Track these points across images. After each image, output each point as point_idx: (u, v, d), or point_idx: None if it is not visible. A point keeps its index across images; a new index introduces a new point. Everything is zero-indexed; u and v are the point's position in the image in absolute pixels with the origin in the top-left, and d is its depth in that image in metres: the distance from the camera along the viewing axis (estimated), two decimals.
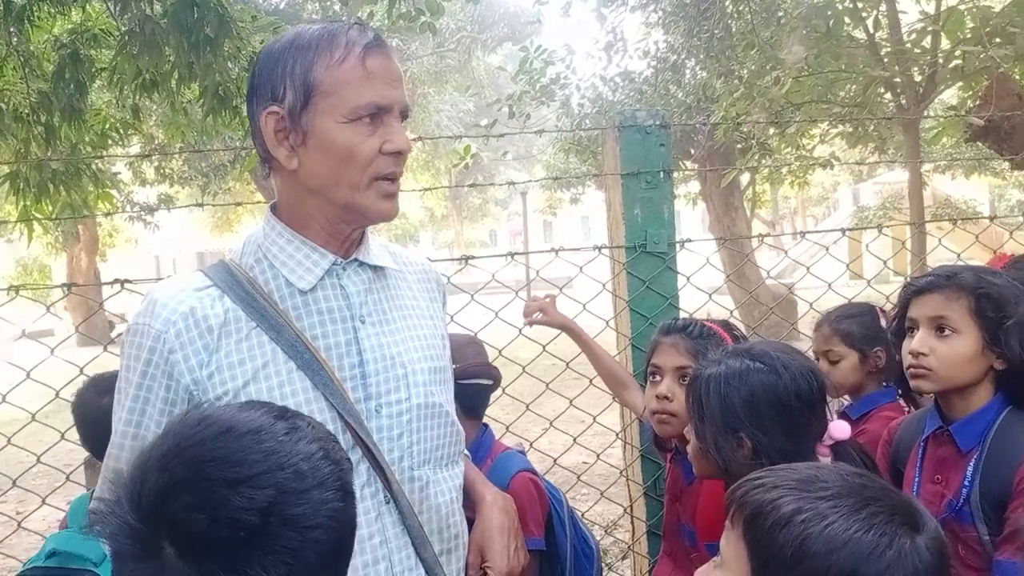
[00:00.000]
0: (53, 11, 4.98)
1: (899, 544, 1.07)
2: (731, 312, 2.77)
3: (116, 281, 2.59)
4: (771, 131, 9.68)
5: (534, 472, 2.46)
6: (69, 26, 5.39)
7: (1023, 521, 1.15)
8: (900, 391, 2.64)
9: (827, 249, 2.87)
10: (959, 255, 3.05)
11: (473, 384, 2.41)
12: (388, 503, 1.55)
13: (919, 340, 1.89)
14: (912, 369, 1.91)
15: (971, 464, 1.83)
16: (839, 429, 1.73)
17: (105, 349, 2.59)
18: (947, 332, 1.86)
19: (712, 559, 1.25)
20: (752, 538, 1.14)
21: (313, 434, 1.06)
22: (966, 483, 1.82)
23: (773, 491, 1.15)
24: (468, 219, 41.57)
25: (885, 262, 3.02)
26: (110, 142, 5.73)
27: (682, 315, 2.74)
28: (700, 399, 1.74)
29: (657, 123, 2.72)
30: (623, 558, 3.70)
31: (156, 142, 14.05)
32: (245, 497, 0.94)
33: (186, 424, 1.04)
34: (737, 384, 1.70)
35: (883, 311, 2.69)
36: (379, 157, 1.52)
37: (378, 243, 1.73)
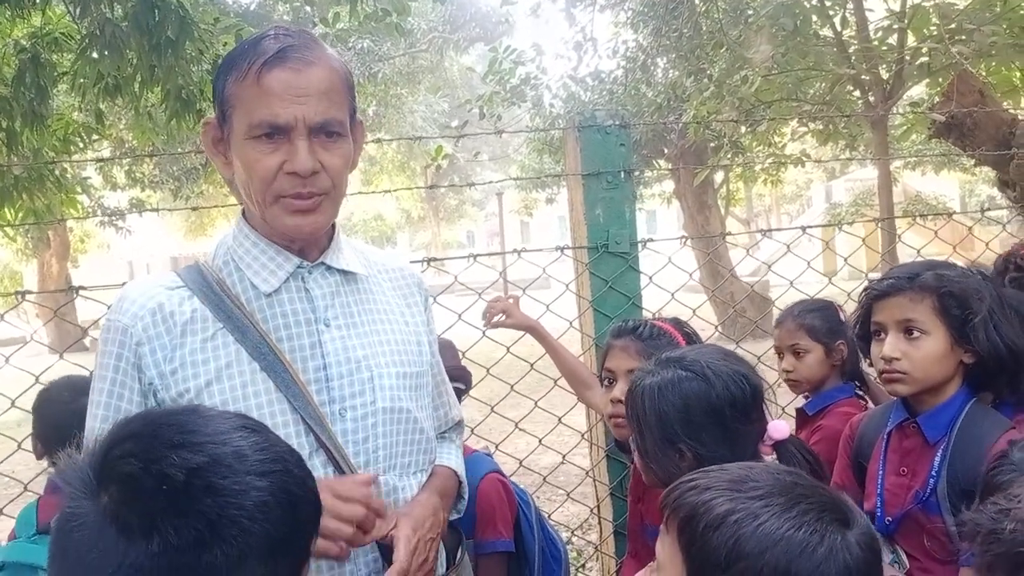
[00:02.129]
0: (12, 14, 4.90)
1: (830, 540, 1.08)
2: (693, 311, 2.77)
3: (71, 288, 2.55)
4: (743, 129, 9.74)
5: (502, 474, 2.46)
6: (29, 30, 5.31)
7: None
8: (858, 386, 2.67)
9: (788, 247, 2.88)
10: (919, 251, 3.07)
11: (456, 388, 2.42)
12: None
13: (890, 345, 1.90)
14: (886, 374, 1.92)
15: (938, 455, 1.85)
16: (778, 429, 1.72)
17: (61, 357, 2.53)
18: (916, 334, 1.87)
19: (649, 564, 1.25)
20: (687, 541, 1.13)
21: (278, 451, 1.05)
22: (933, 474, 1.84)
23: (706, 493, 1.14)
24: (445, 220, 41.49)
25: (846, 259, 3.04)
26: (73, 148, 5.65)
27: (646, 315, 2.74)
28: (637, 413, 1.73)
29: (617, 123, 2.71)
30: (595, 559, 3.70)
31: (126, 146, 13.90)
32: (180, 457, 0.96)
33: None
34: (670, 395, 1.68)
35: (841, 308, 2.71)
36: (281, 176, 1.50)
37: (352, 247, 1.73)
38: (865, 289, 2.03)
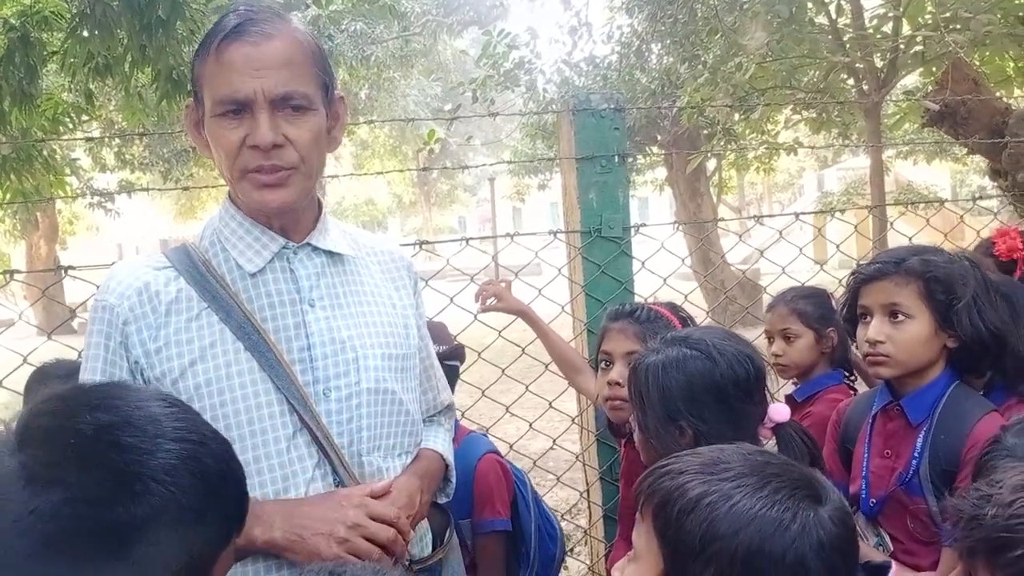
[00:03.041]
0: None
1: (803, 517, 1.08)
2: (685, 297, 2.76)
3: (59, 268, 2.53)
4: (736, 117, 9.73)
5: (499, 454, 2.47)
6: (19, 8, 5.25)
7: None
8: (847, 374, 2.68)
9: (780, 233, 2.88)
10: (910, 239, 3.08)
11: (450, 366, 2.42)
12: (337, 486, 1.54)
13: (874, 328, 1.92)
14: (870, 357, 1.94)
15: (921, 436, 1.87)
16: (779, 412, 1.74)
17: (49, 337, 2.52)
18: (900, 318, 1.90)
19: (627, 553, 1.25)
20: (662, 526, 1.14)
21: (198, 425, 1.06)
22: (916, 455, 1.87)
23: (679, 477, 1.15)
24: (437, 205, 41.40)
25: (838, 246, 3.05)
26: (62, 128, 5.61)
27: (638, 299, 2.73)
28: (640, 389, 1.74)
29: (611, 107, 2.70)
30: (584, 543, 3.72)
31: (116, 127, 13.80)
32: (93, 416, 0.98)
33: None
34: (674, 372, 1.69)
35: (832, 296, 2.72)
36: (244, 150, 1.49)
37: (340, 228, 1.72)
38: (852, 273, 2.05)
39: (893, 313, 1.91)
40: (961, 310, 1.85)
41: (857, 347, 2.05)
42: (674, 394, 1.68)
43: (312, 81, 1.53)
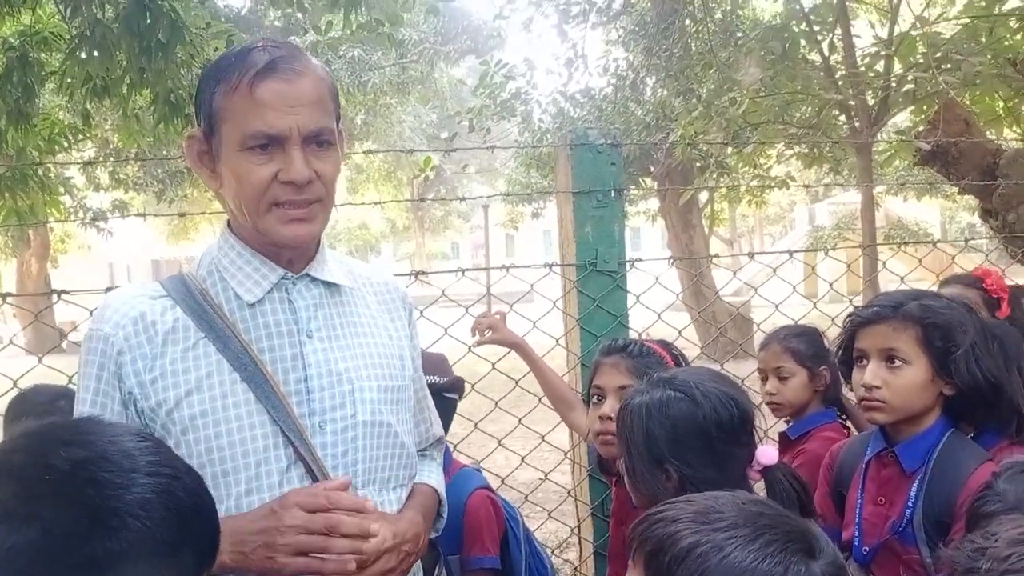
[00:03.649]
0: (2, 12, 4.87)
1: (794, 571, 1.07)
2: (679, 332, 2.77)
3: (52, 292, 2.52)
4: (729, 150, 9.81)
5: (491, 490, 2.45)
6: (19, 28, 5.27)
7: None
8: (839, 412, 2.68)
9: (775, 271, 2.89)
10: (903, 278, 3.10)
11: (448, 398, 2.41)
12: None
13: (871, 373, 1.90)
14: (866, 402, 1.92)
15: (915, 485, 1.85)
16: (766, 455, 1.72)
17: (40, 361, 2.50)
18: (897, 363, 1.88)
19: None
20: (653, 574, 1.12)
21: (171, 460, 1.06)
22: (910, 504, 1.84)
23: (672, 525, 1.14)
24: (430, 231, 41.44)
25: (831, 284, 3.06)
26: (58, 148, 5.61)
27: (632, 334, 2.73)
28: (626, 432, 1.73)
29: (608, 142, 2.72)
30: None
31: (111, 146, 13.80)
32: (67, 451, 0.98)
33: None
34: (658, 415, 1.68)
35: (824, 334, 2.72)
36: (275, 184, 1.49)
37: (337, 259, 1.72)
38: (849, 315, 2.04)
39: (890, 358, 1.89)
40: (959, 358, 1.83)
41: (852, 389, 2.03)
42: (658, 437, 1.66)
43: (333, 117, 1.56)
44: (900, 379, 1.87)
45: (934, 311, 1.88)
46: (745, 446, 1.71)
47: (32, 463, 0.98)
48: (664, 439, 1.66)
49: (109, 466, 0.98)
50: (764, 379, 2.73)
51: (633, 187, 13.50)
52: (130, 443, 1.03)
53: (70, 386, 2.20)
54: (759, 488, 1.72)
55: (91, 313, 1.60)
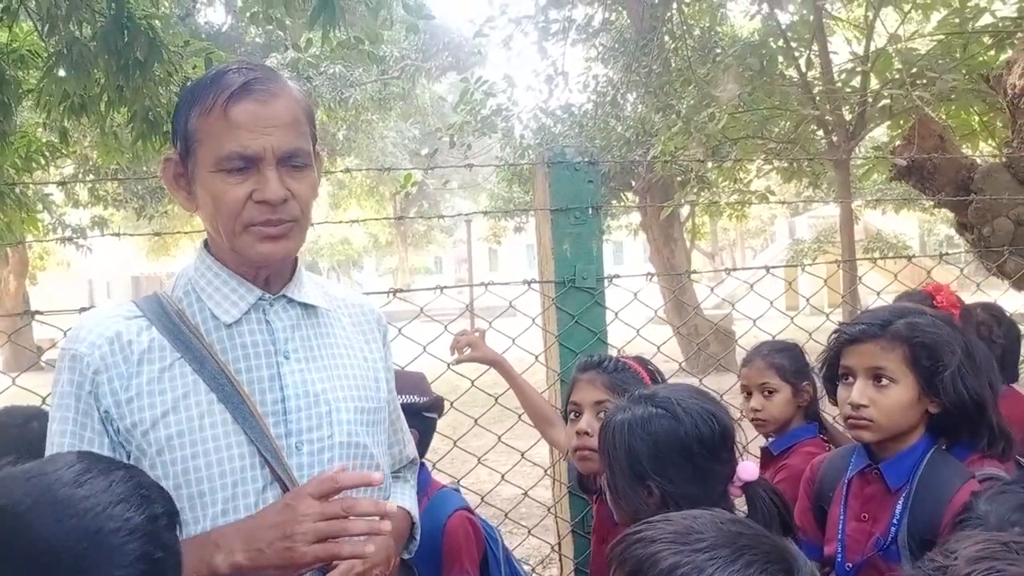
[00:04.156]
0: None
1: None
2: (658, 348, 2.78)
3: (27, 312, 2.50)
4: (709, 165, 9.88)
5: (471, 511, 2.44)
6: None
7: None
8: (820, 427, 2.69)
9: (751, 286, 2.91)
10: (879, 293, 3.13)
11: (428, 418, 2.40)
12: None
13: (858, 392, 1.89)
14: (852, 420, 1.91)
15: (900, 502, 1.85)
16: (747, 471, 1.72)
17: (13, 382, 2.47)
18: (885, 382, 1.87)
19: None
20: None
21: (111, 497, 1.02)
22: (895, 521, 1.84)
23: (651, 546, 1.13)
24: (413, 246, 41.42)
25: (808, 299, 3.08)
26: (36, 165, 5.57)
27: (611, 350, 2.74)
28: (607, 449, 1.73)
29: (586, 160, 2.73)
30: None
31: (90, 163, 13.72)
32: (23, 572, 0.93)
33: None
34: (640, 432, 1.68)
35: (803, 349, 2.73)
36: (250, 204, 1.49)
37: (313, 281, 1.72)
38: (835, 332, 2.02)
39: (877, 377, 1.88)
40: (947, 378, 1.83)
41: (838, 407, 2.01)
42: (640, 454, 1.66)
43: (309, 138, 1.56)
44: (887, 398, 1.86)
45: (922, 330, 1.87)
46: (726, 462, 1.72)
47: None
48: (646, 455, 1.66)
49: None
50: (747, 395, 2.72)
51: (615, 202, 13.57)
52: (73, 541, 0.98)
53: (43, 407, 2.17)
54: (739, 504, 1.73)
55: (65, 334, 1.58)
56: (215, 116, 1.48)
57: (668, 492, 1.63)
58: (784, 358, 2.68)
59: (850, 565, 1.91)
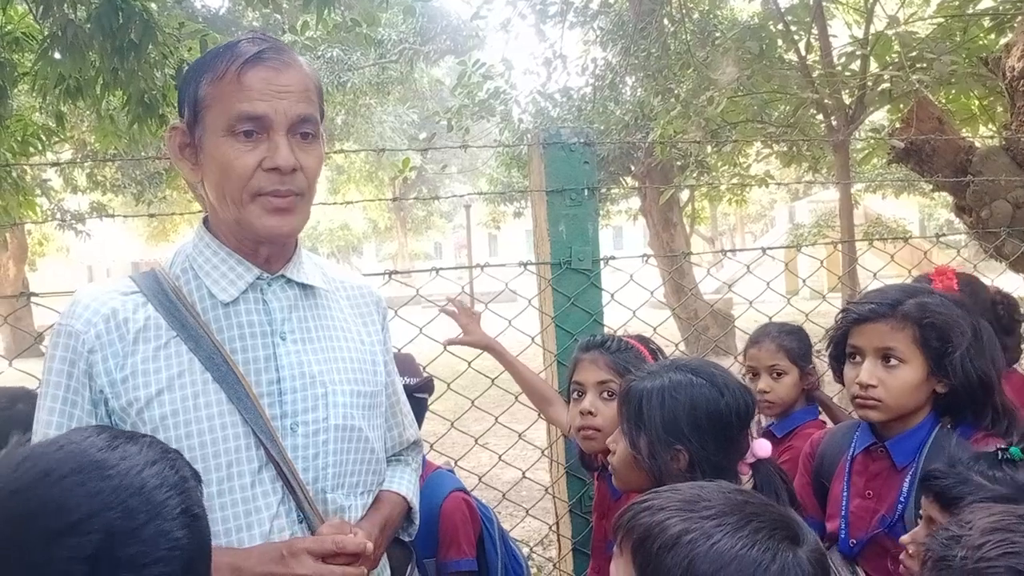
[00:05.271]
0: None
1: (782, 558, 1.09)
2: (654, 329, 2.77)
3: (23, 294, 2.49)
4: (708, 149, 9.85)
5: (466, 491, 2.45)
6: None
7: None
8: (821, 409, 2.69)
9: (748, 268, 2.91)
10: (875, 274, 3.13)
11: (419, 399, 2.41)
12: (301, 523, 1.52)
13: (867, 372, 1.89)
14: (860, 399, 1.91)
15: (907, 480, 1.85)
16: (762, 447, 1.75)
17: (10, 364, 2.47)
18: (893, 362, 1.87)
19: None
20: (641, 562, 1.13)
21: (146, 459, 1.02)
22: (901, 499, 1.84)
23: (659, 513, 1.15)
24: (412, 231, 41.37)
25: (804, 281, 3.08)
26: (32, 149, 5.55)
27: (608, 331, 2.73)
28: (640, 409, 1.74)
29: (581, 141, 2.72)
30: None
31: (88, 147, 13.68)
32: (69, 547, 0.91)
33: (4, 468, 0.99)
34: (682, 397, 1.71)
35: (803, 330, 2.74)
36: (259, 173, 1.48)
37: (313, 261, 1.71)
38: (844, 311, 2.02)
39: (886, 357, 1.88)
40: (956, 359, 1.83)
41: (845, 387, 2.00)
42: (679, 417, 1.69)
43: (318, 111, 1.56)
44: (896, 378, 1.86)
45: (932, 311, 1.87)
46: (747, 437, 1.76)
47: None
48: (685, 420, 1.69)
49: (125, 540, 0.95)
50: (753, 376, 2.71)
51: (614, 186, 13.55)
52: (125, 496, 0.98)
53: (30, 388, 2.17)
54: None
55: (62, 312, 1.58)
56: (227, 80, 1.47)
57: (698, 457, 1.66)
58: (793, 341, 2.68)
59: (854, 541, 1.92)
